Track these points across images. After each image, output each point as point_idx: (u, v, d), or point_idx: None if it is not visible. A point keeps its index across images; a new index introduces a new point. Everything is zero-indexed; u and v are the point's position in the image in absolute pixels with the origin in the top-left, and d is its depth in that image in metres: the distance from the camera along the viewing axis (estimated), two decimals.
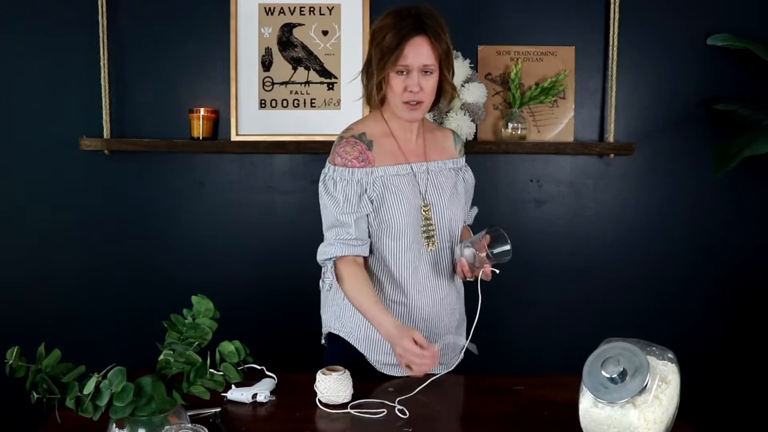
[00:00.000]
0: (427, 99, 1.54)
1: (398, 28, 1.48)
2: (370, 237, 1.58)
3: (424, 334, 1.53)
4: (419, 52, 1.48)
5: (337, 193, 1.54)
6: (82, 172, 2.35)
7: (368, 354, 1.64)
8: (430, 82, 1.52)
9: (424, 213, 1.58)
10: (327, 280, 1.59)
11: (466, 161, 1.74)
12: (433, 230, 1.58)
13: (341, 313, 1.66)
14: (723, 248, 2.43)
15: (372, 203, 1.56)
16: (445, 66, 1.54)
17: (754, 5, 2.35)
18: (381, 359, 1.64)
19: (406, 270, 1.59)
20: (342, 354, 1.64)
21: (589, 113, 2.39)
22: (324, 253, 1.56)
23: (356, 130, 1.61)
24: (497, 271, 1.55)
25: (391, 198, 1.55)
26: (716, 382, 2.46)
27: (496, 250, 1.52)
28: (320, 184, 1.59)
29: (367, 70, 1.57)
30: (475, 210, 1.80)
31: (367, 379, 1.55)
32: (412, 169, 1.59)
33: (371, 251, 1.59)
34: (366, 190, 1.55)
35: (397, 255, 1.58)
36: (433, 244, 1.59)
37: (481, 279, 1.56)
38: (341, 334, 1.66)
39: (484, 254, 1.50)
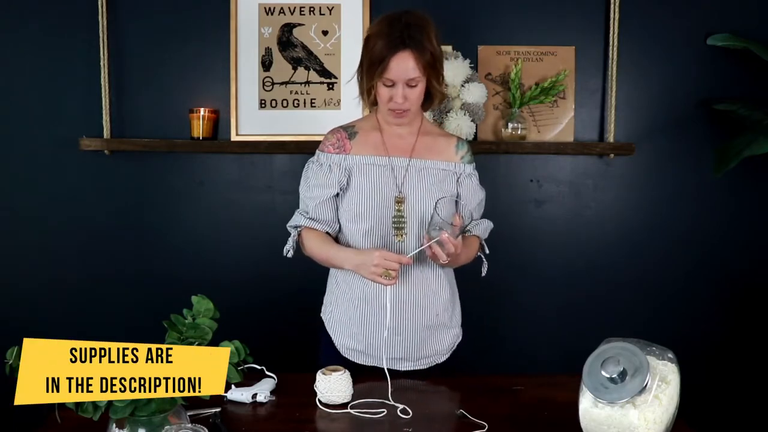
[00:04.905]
0: (413, 107, 1.60)
1: (386, 39, 1.52)
2: (338, 220, 1.66)
3: (386, 324, 1.56)
4: (404, 68, 1.53)
5: (310, 174, 1.67)
6: (82, 172, 2.35)
7: (335, 336, 1.69)
8: (416, 92, 1.58)
9: (396, 205, 1.61)
10: (288, 245, 1.70)
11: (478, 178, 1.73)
12: (403, 223, 1.61)
13: (328, 298, 1.75)
14: (723, 248, 2.43)
15: (340, 188, 1.64)
16: (432, 75, 1.57)
17: (754, 5, 2.35)
18: (345, 343, 1.68)
19: None
20: (325, 341, 1.72)
21: (589, 113, 2.39)
22: (293, 220, 1.70)
23: (349, 123, 1.73)
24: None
25: (357, 184, 1.62)
26: (716, 382, 2.46)
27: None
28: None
29: (360, 71, 1.63)
30: (486, 223, 1.74)
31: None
32: (390, 161, 1.63)
33: (338, 236, 1.69)
34: (336, 174, 1.62)
35: (356, 239, 1.63)
36: (401, 236, 1.61)
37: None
38: (323, 316, 1.74)
39: (456, 221, 1.45)
